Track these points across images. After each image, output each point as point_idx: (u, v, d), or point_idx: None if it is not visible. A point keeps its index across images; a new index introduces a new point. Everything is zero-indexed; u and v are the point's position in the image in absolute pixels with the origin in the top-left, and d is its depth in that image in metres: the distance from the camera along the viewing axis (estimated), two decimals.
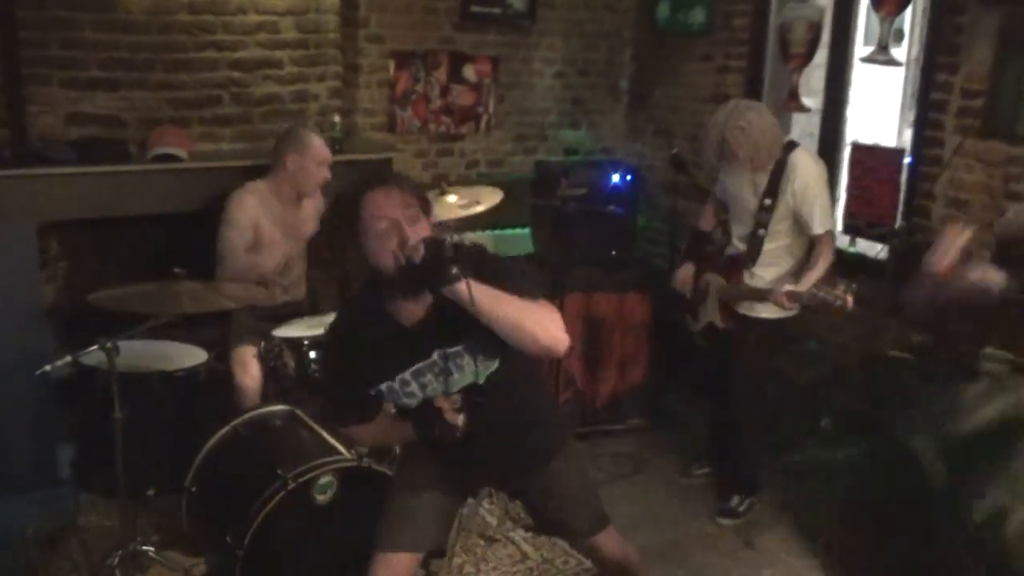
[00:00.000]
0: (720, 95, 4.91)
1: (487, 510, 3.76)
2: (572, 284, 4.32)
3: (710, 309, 3.90)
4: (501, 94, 5.34)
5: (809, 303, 3.49)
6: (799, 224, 3.68)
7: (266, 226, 3.80)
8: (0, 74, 3.90)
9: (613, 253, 4.68)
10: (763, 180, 3.71)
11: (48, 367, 2.99)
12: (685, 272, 4.00)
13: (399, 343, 2.42)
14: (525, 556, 3.55)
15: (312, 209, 3.99)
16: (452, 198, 3.87)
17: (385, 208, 2.31)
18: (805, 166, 3.68)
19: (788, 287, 3.55)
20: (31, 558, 3.39)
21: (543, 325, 2.31)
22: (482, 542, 3.62)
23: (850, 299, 3.38)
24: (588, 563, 3.35)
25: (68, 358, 3.03)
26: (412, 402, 2.48)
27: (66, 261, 4.23)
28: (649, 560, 3.21)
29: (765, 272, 3.76)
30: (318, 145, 3.82)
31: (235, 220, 3.73)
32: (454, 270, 2.22)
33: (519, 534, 3.66)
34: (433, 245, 2.26)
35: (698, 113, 5.24)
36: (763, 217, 3.71)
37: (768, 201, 3.69)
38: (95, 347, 2.98)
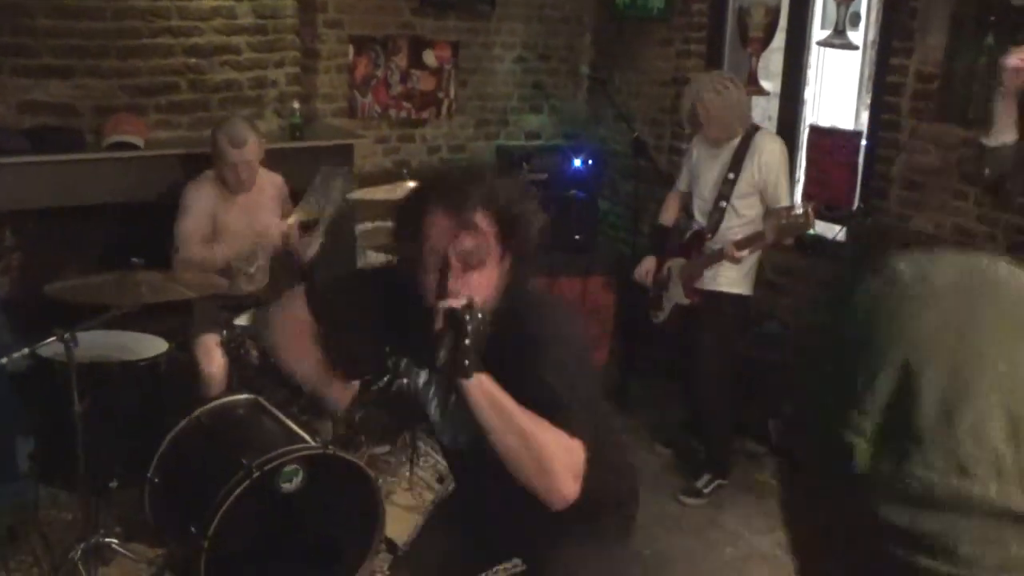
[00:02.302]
0: (680, 79, 4.93)
1: None
2: (558, 269, 4.35)
3: (673, 292, 3.94)
4: (462, 79, 5.32)
5: (772, 233, 3.51)
6: (762, 200, 3.75)
7: (223, 216, 3.77)
8: None
9: (576, 238, 4.71)
10: (728, 155, 3.80)
11: (4, 360, 2.94)
12: (647, 265, 4.04)
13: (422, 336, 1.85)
14: None
15: (268, 197, 3.94)
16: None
17: (442, 240, 1.80)
18: (770, 142, 3.82)
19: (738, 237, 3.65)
20: None
21: (555, 482, 1.75)
22: None
23: (810, 209, 3.45)
24: None
25: (25, 350, 2.98)
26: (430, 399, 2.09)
27: (21, 252, 4.16)
28: None
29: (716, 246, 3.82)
30: (224, 146, 3.69)
31: (189, 209, 3.71)
32: (467, 362, 1.73)
33: None
34: (455, 320, 1.74)
35: (658, 98, 5.27)
36: (726, 190, 3.79)
37: (731, 175, 3.77)
38: (53, 339, 2.93)
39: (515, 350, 1.82)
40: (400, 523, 3.47)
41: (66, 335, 2.90)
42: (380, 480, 3.24)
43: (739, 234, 3.73)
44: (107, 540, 3.17)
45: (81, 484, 3.03)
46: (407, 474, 3.99)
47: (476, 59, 5.35)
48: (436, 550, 2.27)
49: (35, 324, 3.18)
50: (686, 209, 4.17)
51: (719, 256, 3.72)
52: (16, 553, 3.34)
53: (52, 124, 3.99)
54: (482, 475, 1.99)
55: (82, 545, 3.09)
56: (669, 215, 4.16)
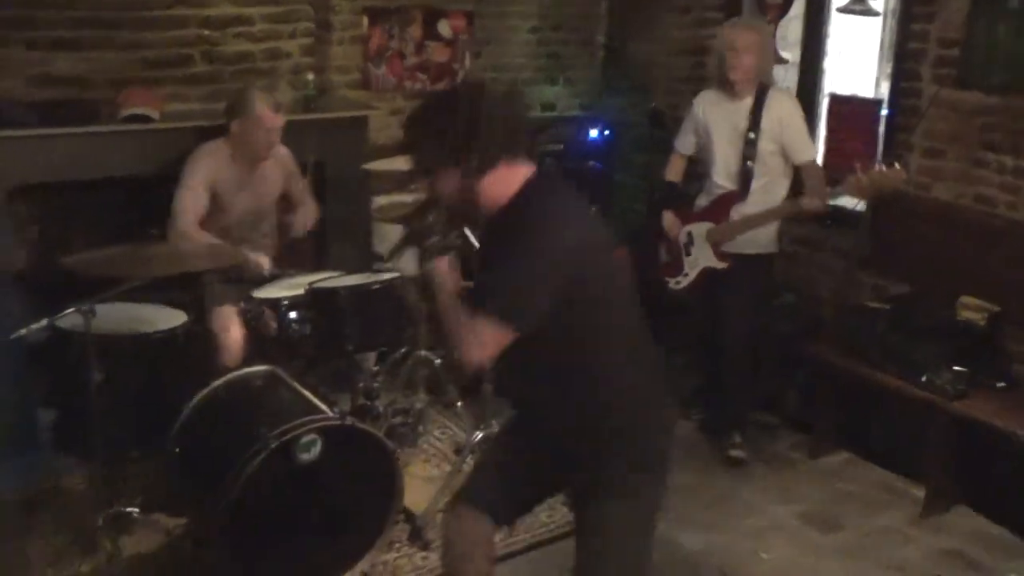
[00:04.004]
0: (697, 48, 4.88)
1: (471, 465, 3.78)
2: None
3: (701, 257, 3.91)
4: (477, 50, 5.27)
5: (857, 189, 3.58)
6: (784, 155, 3.76)
7: (223, 187, 3.76)
8: None
9: (592, 209, 4.67)
10: (744, 116, 3.79)
11: (23, 331, 2.95)
12: (671, 219, 4.01)
13: None
14: None
15: (276, 168, 3.94)
16: None
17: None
18: (785, 98, 3.86)
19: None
20: (15, 523, 3.38)
21: (462, 348, 2.17)
22: None
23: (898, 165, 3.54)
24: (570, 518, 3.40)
25: (43, 322, 2.99)
26: None
27: (38, 225, 4.16)
28: None
29: (754, 210, 3.80)
30: (261, 110, 3.70)
31: (187, 182, 3.69)
32: (429, 241, 2.23)
33: None
34: (422, 210, 2.23)
35: (675, 67, 5.21)
36: (748, 150, 3.76)
37: (752, 134, 3.76)
38: (71, 310, 2.94)
39: (499, 238, 2.19)
40: (417, 493, 3.49)
41: (84, 307, 2.92)
42: (397, 451, 3.24)
43: (768, 194, 3.75)
44: (128, 510, 3.20)
45: (100, 455, 3.05)
46: (424, 445, 4.01)
47: (491, 30, 5.30)
48: (491, 476, 2.46)
49: (53, 297, 3.19)
50: (689, 172, 4.14)
51: (788, 210, 3.77)
52: (38, 523, 3.38)
53: (65, 98, 3.98)
54: (515, 381, 2.37)
55: (103, 514, 3.12)
56: (676, 173, 4.13)
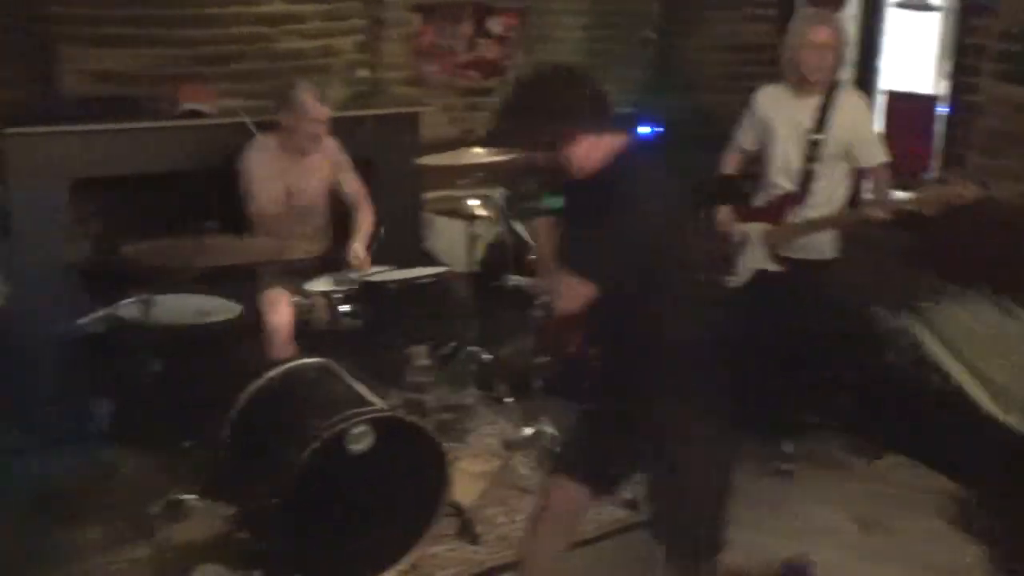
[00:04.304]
0: (750, 45, 4.84)
1: (523, 462, 3.78)
2: None
3: (756, 257, 3.82)
4: (528, 47, 5.28)
5: (927, 199, 3.43)
6: (848, 157, 3.63)
7: (266, 179, 3.83)
8: (31, 33, 3.92)
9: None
10: (809, 115, 3.62)
11: (85, 320, 3.02)
12: (726, 214, 3.92)
13: None
14: None
15: (323, 161, 3.98)
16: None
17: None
18: (854, 97, 3.68)
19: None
20: (73, 509, 3.45)
21: (558, 295, 2.44)
22: (515, 493, 3.64)
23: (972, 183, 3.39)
24: (620, 514, 3.38)
25: (104, 311, 3.06)
26: None
27: (99, 218, 4.26)
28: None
29: (814, 213, 3.67)
30: (308, 103, 3.78)
31: (248, 188, 3.81)
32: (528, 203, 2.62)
33: None
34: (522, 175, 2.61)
35: (726, 64, 5.17)
36: (813, 151, 3.62)
37: (818, 134, 3.61)
38: (131, 300, 3.00)
39: (589, 201, 2.34)
40: (465, 488, 3.50)
41: (144, 297, 2.97)
42: (447, 445, 3.25)
43: (829, 197, 3.65)
44: (183, 497, 3.25)
45: (157, 443, 3.11)
46: (473, 440, 4.01)
47: (542, 26, 5.30)
48: (584, 448, 2.59)
49: (112, 288, 3.27)
50: (746, 169, 4.05)
51: (852, 219, 3.65)
52: (96, 509, 3.44)
53: (125, 93, 4.07)
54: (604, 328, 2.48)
55: (160, 501, 3.18)
56: (732, 168, 4.04)
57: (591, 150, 2.38)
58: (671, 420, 2.44)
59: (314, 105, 3.79)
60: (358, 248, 3.89)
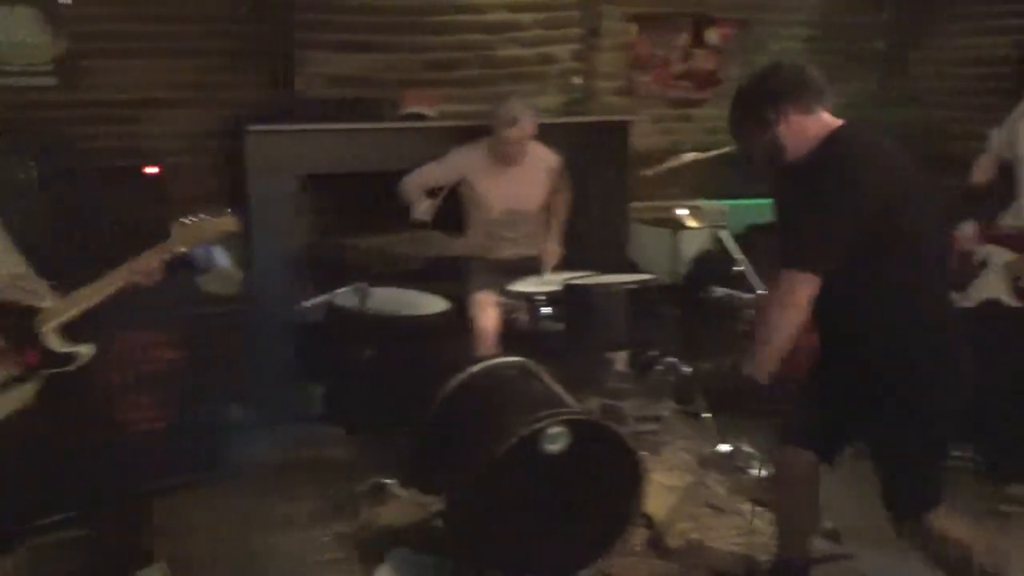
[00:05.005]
0: (989, 59, 4.51)
1: (717, 480, 3.69)
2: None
3: (992, 285, 3.55)
4: (746, 59, 5.15)
5: None
6: None
7: (477, 180, 3.96)
8: (274, 38, 4.23)
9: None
10: None
11: (306, 303, 3.21)
12: (971, 230, 3.65)
13: None
14: (753, 530, 3.45)
15: (539, 173, 4.05)
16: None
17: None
18: None
19: None
20: (287, 484, 3.67)
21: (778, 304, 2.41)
22: (708, 511, 3.55)
23: None
24: (821, 545, 3.22)
25: (323, 297, 3.24)
26: None
27: (322, 213, 4.52)
28: (864, 545, 3.08)
29: None
30: (512, 113, 3.90)
31: (445, 160, 4.00)
32: None
33: (748, 507, 3.56)
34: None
35: (962, 78, 4.85)
36: None
37: None
38: (348, 287, 3.16)
39: (799, 185, 2.39)
40: (658, 500, 3.44)
41: (360, 285, 3.13)
42: (642, 455, 3.21)
43: None
44: (385, 481, 3.38)
45: (364, 427, 3.25)
46: (667, 453, 3.95)
47: (762, 38, 5.17)
48: (810, 417, 2.66)
49: (331, 278, 3.45)
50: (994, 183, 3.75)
51: None
52: (305, 485, 3.65)
53: (355, 95, 4.30)
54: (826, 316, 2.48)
55: (363, 484, 3.32)
56: (983, 172, 3.75)
57: (802, 129, 2.40)
58: (890, 424, 2.45)
59: (518, 117, 3.90)
60: (552, 246, 3.99)
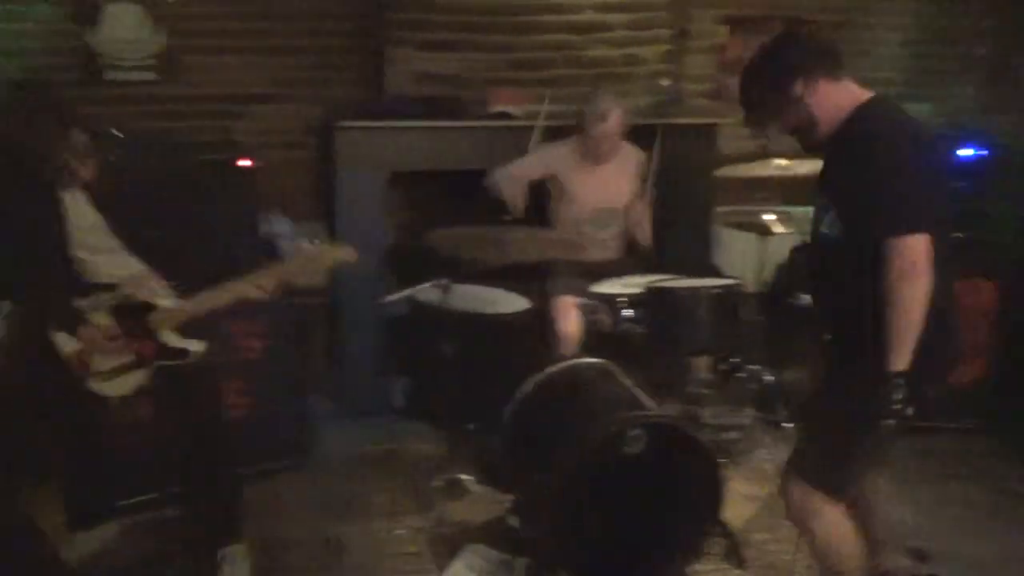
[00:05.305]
0: None
1: None
2: None
3: None
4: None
5: None
6: None
7: (566, 178, 3.95)
8: (366, 36, 4.30)
9: (956, 235, 4.27)
10: None
11: (389, 298, 3.25)
12: None
13: None
14: None
15: (627, 171, 4.02)
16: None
17: None
18: None
19: None
20: (366, 475, 3.73)
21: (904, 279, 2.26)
22: (787, 523, 3.45)
23: None
24: (904, 562, 3.13)
25: (407, 292, 3.27)
26: None
27: (408, 209, 4.58)
28: (968, 571, 2.98)
29: None
30: (601, 109, 3.86)
31: (534, 154, 4.02)
32: None
33: None
34: None
35: None
36: None
37: None
38: (431, 283, 3.19)
39: (846, 156, 2.35)
40: (736, 510, 3.38)
41: (443, 282, 3.15)
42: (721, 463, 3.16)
43: None
44: (463, 477, 3.40)
45: (444, 423, 3.28)
46: (747, 462, 3.88)
47: (858, 41, 5.03)
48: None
49: (415, 273, 3.49)
50: None
51: None
52: (385, 477, 3.71)
53: (441, 94, 4.34)
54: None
55: (441, 478, 3.35)
56: None
57: (832, 97, 2.33)
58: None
59: (608, 114, 3.87)
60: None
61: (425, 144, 4.15)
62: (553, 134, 4.14)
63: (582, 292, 3.65)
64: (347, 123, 4.05)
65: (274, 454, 3.63)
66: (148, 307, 2.74)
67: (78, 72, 4.06)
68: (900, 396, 2.20)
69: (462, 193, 4.12)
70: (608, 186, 4.02)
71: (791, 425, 3.88)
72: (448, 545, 3.22)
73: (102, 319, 2.73)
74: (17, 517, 2.71)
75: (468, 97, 4.37)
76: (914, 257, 2.17)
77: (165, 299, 2.75)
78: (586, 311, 3.62)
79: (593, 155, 3.95)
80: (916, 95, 5.15)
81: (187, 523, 3.15)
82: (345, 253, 2.72)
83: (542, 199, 4.07)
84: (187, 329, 2.79)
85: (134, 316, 2.73)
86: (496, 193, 3.92)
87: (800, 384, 3.97)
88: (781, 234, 3.97)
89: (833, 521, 2.51)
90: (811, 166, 3.71)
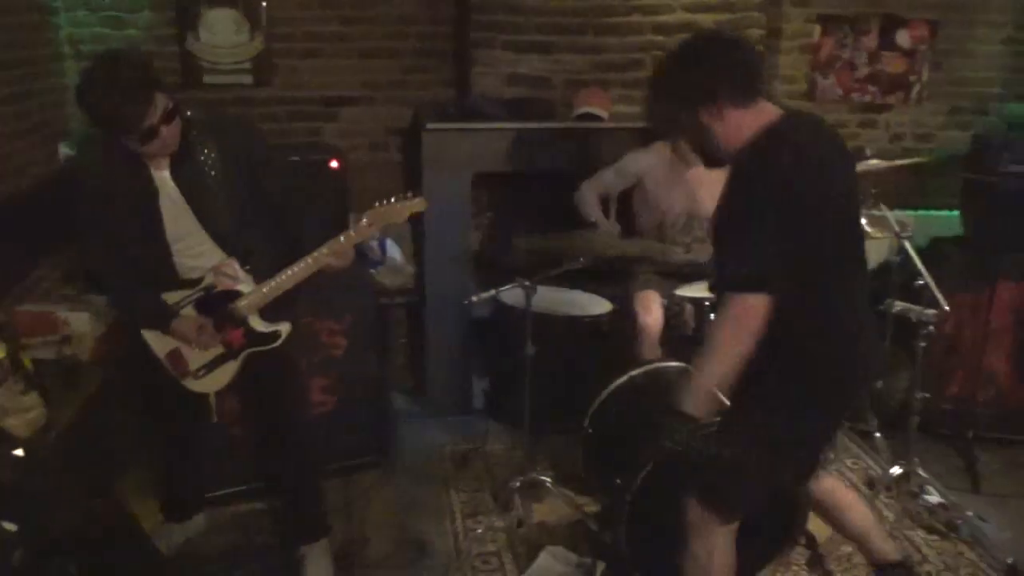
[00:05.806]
0: None
1: (886, 504, 3.51)
2: (1006, 272, 3.85)
3: None
4: (937, 61, 4.87)
5: None
6: None
7: (652, 183, 3.89)
8: (455, 39, 4.35)
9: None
10: None
11: (474, 298, 3.28)
12: None
13: None
14: (924, 559, 3.27)
15: (717, 173, 3.96)
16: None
17: None
18: None
19: None
20: (446, 474, 3.77)
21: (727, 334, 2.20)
22: None
23: None
24: None
25: (491, 292, 3.29)
26: None
27: (493, 210, 4.61)
28: None
29: None
30: None
31: (619, 165, 3.94)
32: None
33: (919, 535, 3.38)
34: None
35: None
36: None
37: None
38: (515, 284, 3.20)
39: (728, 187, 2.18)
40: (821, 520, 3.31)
41: (527, 283, 3.16)
42: None
43: None
44: (542, 478, 3.41)
45: (525, 423, 3.29)
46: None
47: (956, 40, 4.87)
48: None
49: (499, 277, 3.51)
50: None
51: None
52: (465, 477, 3.74)
53: (528, 96, 4.36)
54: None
55: (520, 479, 3.36)
56: None
57: (736, 121, 2.13)
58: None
59: None
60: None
61: (511, 146, 4.17)
62: (639, 138, 4.10)
63: (665, 294, 3.62)
64: (434, 125, 4.10)
65: (356, 452, 3.69)
66: (228, 296, 2.74)
67: (180, 76, 4.20)
68: (678, 437, 2.19)
69: (551, 195, 4.12)
70: (698, 190, 3.97)
71: (881, 435, 3.78)
72: (527, 546, 3.23)
73: (189, 313, 2.75)
74: (117, 510, 2.80)
75: (555, 99, 4.38)
76: (741, 315, 2.07)
77: (245, 285, 2.76)
78: (669, 308, 3.59)
79: (683, 160, 3.90)
80: (1019, 95, 4.97)
81: (271, 518, 3.23)
82: (417, 204, 2.72)
83: (627, 204, 4.05)
84: (269, 315, 2.80)
85: (215, 306, 2.74)
86: (580, 209, 3.90)
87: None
88: (874, 238, 3.86)
89: (717, 545, 2.45)
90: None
